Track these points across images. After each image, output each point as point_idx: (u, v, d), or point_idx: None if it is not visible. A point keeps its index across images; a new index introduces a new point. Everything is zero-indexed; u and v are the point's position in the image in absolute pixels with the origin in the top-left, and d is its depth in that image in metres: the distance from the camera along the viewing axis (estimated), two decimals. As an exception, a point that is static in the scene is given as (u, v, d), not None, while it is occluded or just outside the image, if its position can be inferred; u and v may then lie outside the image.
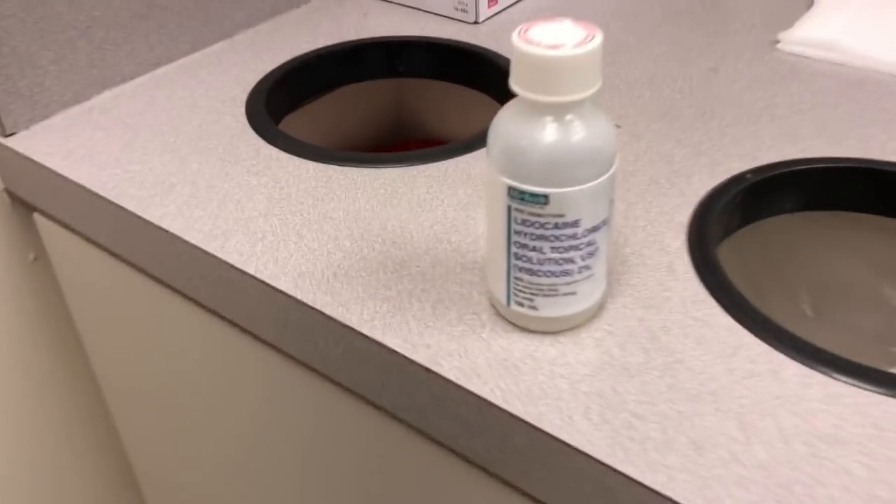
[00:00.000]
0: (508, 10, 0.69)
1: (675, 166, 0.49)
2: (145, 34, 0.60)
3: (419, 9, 0.69)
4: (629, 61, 0.61)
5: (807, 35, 0.61)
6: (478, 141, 0.52)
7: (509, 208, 0.35)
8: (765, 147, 0.51)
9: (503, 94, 0.61)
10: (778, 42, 0.62)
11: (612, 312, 0.40)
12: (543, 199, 0.34)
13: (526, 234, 0.35)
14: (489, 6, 0.67)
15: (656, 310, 0.39)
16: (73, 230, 0.55)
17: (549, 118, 0.33)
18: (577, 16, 0.66)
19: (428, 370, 0.37)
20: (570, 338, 0.38)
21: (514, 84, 0.33)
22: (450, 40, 0.64)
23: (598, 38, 0.32)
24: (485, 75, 0.63)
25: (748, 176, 0.48)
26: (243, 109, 0.57)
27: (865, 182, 0.49)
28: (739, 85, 0.57)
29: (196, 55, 0.64)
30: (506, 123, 0.35)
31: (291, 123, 0.63)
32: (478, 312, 0.40)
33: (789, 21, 0.64)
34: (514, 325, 0.39)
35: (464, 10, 0.66)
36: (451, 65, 0.65)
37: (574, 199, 0.34)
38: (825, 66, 0.59)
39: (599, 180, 0.34)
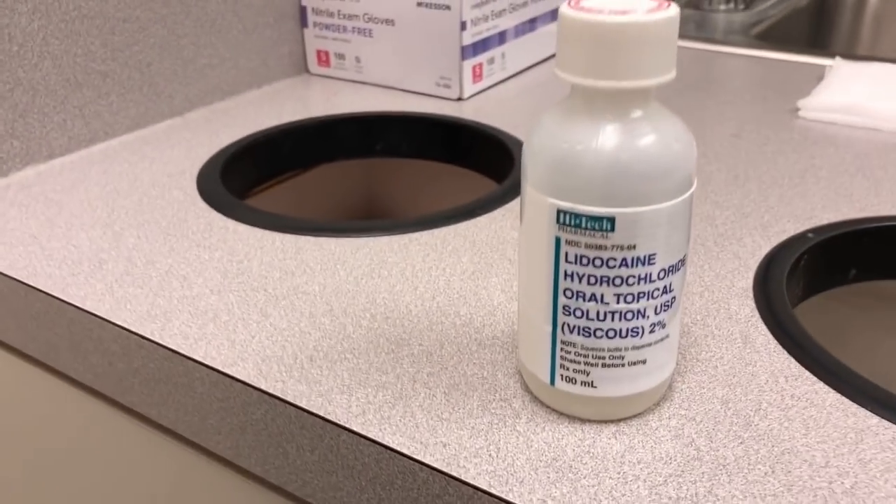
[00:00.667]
0: (495, 87, 0.62)
1: (719, 228, 0.41)
2: (80, 105, 0.51)
3: (396, 88, 0.62)
4: (639, 130, 0.54)
5: (830, 101, 0.55)
6: (481, 206, 0.43)
7: (558, 241, 0.26)
8: (819, 207, 0.43)
9: (497, 171, 0.53)
10: (798, 110, 0.56)
11: (686, 393, 0.30)
12: (608, 224, 0.25)
13: (582, 276, 0.26)
14: (474, 81, 0.60)
15: (743, 388, 0.30)
16: (-27, 329, 0.44)
17: (610, 115, 0.25)
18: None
19: (448, 476, 0.26)
20: (638, 428, 0.28)
21: (562, 70, 0.25)
22: (433, 114, 0.57)
23: (675, 7, 0.24)
24: (475, 150, 0.55)
25: (810, 235, 0.40)
26: (194, 183, 0.48)
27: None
28: (770, 149, 0.50)
29: (141, 132, 0.55)
30: (552, 127, 0.26)
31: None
32: (507, 399, 0.30)
33: (802, 93, 0.58)
34: (559, 413, 0.29)
35: (447, 87, 0.60)
36: (435, 141, 0.57)
37: (649, 223, 0.25)
38: (857, 131, 0.53)
39: (681, 198, 0.25)
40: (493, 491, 0.26)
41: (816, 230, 0.40)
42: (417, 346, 0.33)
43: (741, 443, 0.27)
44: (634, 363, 0.27)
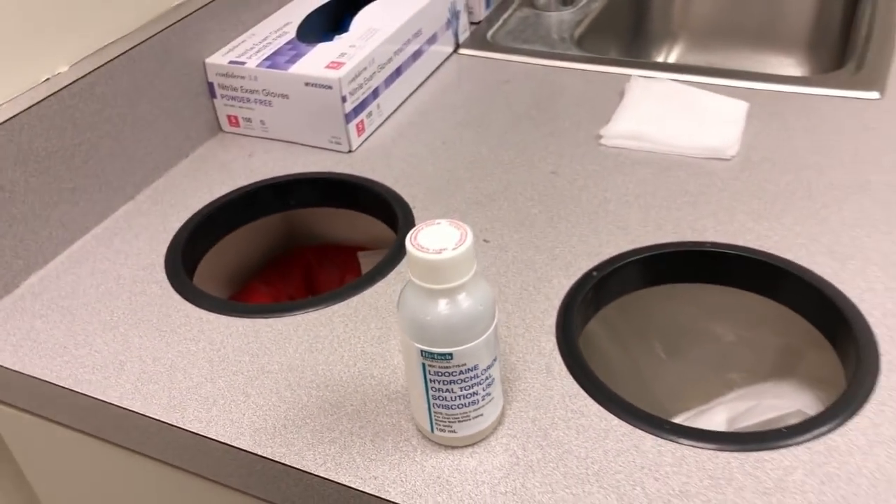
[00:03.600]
0: (375, 133, 0.79)
1: (538, 272, 0.61)
2: (60, 217, 0.66)
3: (298, 143, 0.78)
4: (486, 174, 0.72)
5: (621, 129, 0.74)
6: (377, 273, 0.62)
7: (424, 365, 0.45)
8: (604, 242, 0.63)
9: (380, 214, 0.71)
10: (601, 137, 0.75)
11: (512, 417, 0.50)
12: (449, 356, 0.44)
13: (439, 381, 0.46)
14: (359, 135, 0.77)
15: (544, 409, 0.51)
16: (27, 412, 0.61)
17: (443, 298, 0.44)
18: (434, 131, 0.78)
19: (380, 498, 0.47)
20: (484, 447, 0.49)
21: (413, 277, 0.44)
22: (332, 173, 0.74)
23: (470, 238, 0.43)
24: (366, 202, 0.73)
25: (594, 274, 0.60)
26: (164, 275, 0.64)
27: (685, 260, 0.62)
28: (577, 184, 0.70)
29: (106, 222, 0.70)
30: (412, 303, 0.45)
31: (200, 264, 0.71)
32: (408, 439, 0.50)
33: (606, 114, 0.77)
34: (439, 444, 0.49)
35: (338, 143, 0.76)
36: (335, 194, 0.74)
37: (472, 351, 0.45)
38: (641, 154, 0.72)
39: (487, 333, 0.45)
40: (405, 504, 0.46)
41: (599, 267, 0.61)
42: (350, 406, 0.52)
43: (541, 449, 0.48)
44: (476, 417, 0.47)
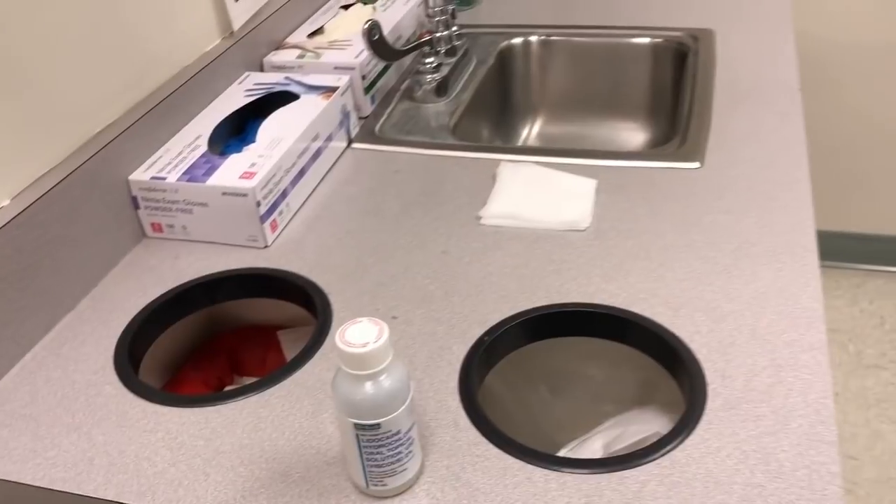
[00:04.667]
0: (286, 228, 0.90)
1: (439, 342, 0.74)
2: (11, 334, 0.74)
3: (218, 243, 0.89)
4: (387, 257, 0.85)
5: (496, 210, 0.88)
6: (304, 357, 0.73)
7: (357, 434, 0.57)
8: (491, 310, 0.76)
9: (297, 299, 0.82)
10: (480, 218, 0.89)
11: (430, 466, 0.63)
12: (378, 426, 0.56)
13: (370, 446, 0.57)
14: (272, 232, 0.88)
15: (454, 457, 0.63)
16: (2, 512, 0.69)
17: (369, 381, 0.56)
18: (338, 222, 0.90)
19: (330, 546, 0.58)
20: (410, 494, 0.61)
21: (343, 366, 0.55)
22: (253, 269, 0.85)
23: (386, 333, 0.55)
24: (285, 291, 0.84)
25: (485, 339, 0.73)
26: (115, 376, 0.73)
27: (556, 319, 0.76)
28: (464, 261, 0.83)
29: (52, 333, 0.79)
30: (343, 387, 0.56)
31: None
32: (348, 495, 0.61)
33: (482, 196, 0.91)
34: (373, 497, 0.61)
35: (254, 241, 0.87)
36: (257, 287, 0.85)
37: (395, 420, 0.57)
38: (514, 231, 0.87)
39: (406, 404, 0.57)
40: (352, 548, 0.57)
41: (489, 332, 0.74)
42: (296, 473, 0.63)
43: (455, 490, 0.61)
44: (402, 471, 0.59)
